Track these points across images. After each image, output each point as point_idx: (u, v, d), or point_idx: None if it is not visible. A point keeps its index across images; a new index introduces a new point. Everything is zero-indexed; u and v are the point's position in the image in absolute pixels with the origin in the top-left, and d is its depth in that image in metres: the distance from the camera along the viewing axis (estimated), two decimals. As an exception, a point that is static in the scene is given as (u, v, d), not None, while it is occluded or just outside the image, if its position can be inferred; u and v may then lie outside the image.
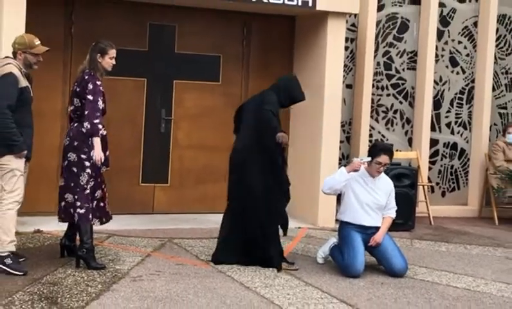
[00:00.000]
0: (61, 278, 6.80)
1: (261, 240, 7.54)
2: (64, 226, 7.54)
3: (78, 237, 7.33)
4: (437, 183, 11.59)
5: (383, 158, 7.48)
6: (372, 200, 7.58)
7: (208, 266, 7.50)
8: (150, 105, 9.97)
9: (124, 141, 9.66)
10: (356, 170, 7.46)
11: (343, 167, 7.63)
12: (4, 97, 6.67)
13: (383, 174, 7.72)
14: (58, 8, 9.38)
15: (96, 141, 7.11)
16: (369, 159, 7.47)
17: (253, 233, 7.52)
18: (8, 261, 6.81)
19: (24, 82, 6.86)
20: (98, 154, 7.10)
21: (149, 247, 8.21)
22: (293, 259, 7.98)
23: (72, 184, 7.19)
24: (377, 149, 7.63)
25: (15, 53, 6.99)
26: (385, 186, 7.70)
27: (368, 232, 7.59)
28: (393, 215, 7.80)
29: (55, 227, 8.43)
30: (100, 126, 7.14)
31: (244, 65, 10.29)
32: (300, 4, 9.44)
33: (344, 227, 7.68)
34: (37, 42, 7.02)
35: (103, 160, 7.17)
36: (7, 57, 7.09)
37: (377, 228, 7.60)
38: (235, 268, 7.46)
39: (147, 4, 9.62)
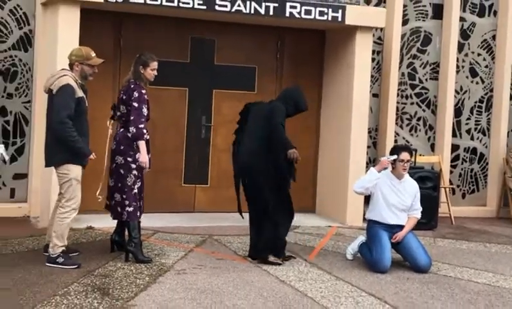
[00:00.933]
0: (112, 271, 6.87)
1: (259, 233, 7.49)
2: (114, 223, 7.57)
3: (126, 233, 7.39)
4: (458, 186, 11.48)
5: (404, 155, 7.49)
6: (399, 201, 7.55)
7: (246, 261, 7.52)
8: (191, 113, 9.98)
9: (168, 145, 9.72)
10: (384, 168, 7.49)
11: (372, 167, 7.63)
12: (63, 108, 6.70)
13: (409, 178, 7.70)
14: (108, 23, 9.41)
15: (142, 144, 7.13)
16: (395, 156, 7.47)
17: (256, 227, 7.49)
18: (60, 259, 6.88)
19: (79, 93, 6.89)
20: (143, 156, 7.13)
21: (191, 243, 8.24)
22: (324, 255, 8.00)
23: (119, 184, 7.23)
24: (397, 148, 7.71)
25: (71, 65, 7.01)
26: (411, 188, 7.67)
27: (393, 230, 7.56)
28: (418, 216, 7.78)
29: (106, 224, 8.51)
30: (145, 131, 7.16)
31: (277, 76, 10.27)
32: (330, 19, 9.40)
33: (372, 225, 7.65)
34: (93, 54, 7.06)
35: (147, 163, 7.18)
36: (63, 69, 7.11)
37: (401, 227, 7.58)
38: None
39: (189, 19, 9.64)
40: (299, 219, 9.80)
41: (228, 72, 10.07)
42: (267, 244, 7.48)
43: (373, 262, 7.48)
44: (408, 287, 6.91)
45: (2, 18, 9.23)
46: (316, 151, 10.49)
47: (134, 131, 7.09)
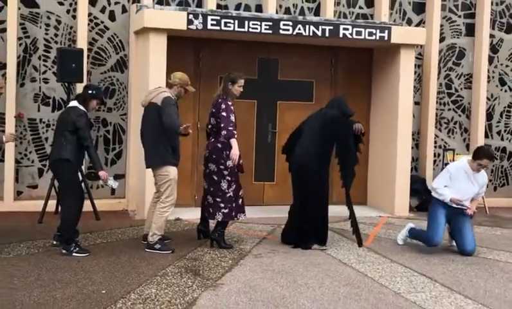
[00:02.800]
0: (200, 255, 6.96)
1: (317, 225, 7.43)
2: (198, 215, 7.60)
3: (211, 223, 7.44)
4: (490, 180, 11.27)
5: (485, 162, 7.32)
6: (468, 189, 7.41)
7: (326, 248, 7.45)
8: (259, 121, 10.02)
9: (240, 149, 9.67)
10: (457, 204, 7.35)
11: (449, 198, 7.34)
12: (173, 112, 6.80)
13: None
14: (189, 48, 9.51)
15: (233, 142, 7.03)
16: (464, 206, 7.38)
17: (312, 219, 7.38)
18: (157, 246, 6.98)
19: (176, 108, 6.97)
20: (235, 149, 7.00)
21: (264, 231, 8.27)
22: (378, 241, 7.95)
23: (212, 189, 7.17)
24: (481, 153, 7.37)
25: (171, 85, 7.09)
26: (482, 179, 7.51)
27: (452, 210, 7.42)
28: (480, 198, 7.76)
29: (191, 216, 8.67)
30: (235, 131, 7.06)
31: (332, 88, 10.23)
32: (377, 38, 9.35)
33: (434, 203, 7.51)
34: (189, 82, 7.19)
35: (237, 156, 7.04)
36: (160, 87, 7.23)
37: (459, 209, 7.41)
38: (333, 248, 7.44)
39: (256, 42, 9.68)
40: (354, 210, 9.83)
41: (290, 86, 10.07)
42: (315, 233, 7.43)
43: (427, 238, 7.40)
44: (454, 268, 6.86)
45: (102, 45, 9.45)
46: (366, 151, 10.43)
47: (225, 132, 7.02)
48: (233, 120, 7.09)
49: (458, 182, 7.37)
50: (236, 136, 7.10)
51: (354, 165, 7.44)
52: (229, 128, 7.02)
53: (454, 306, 5.59)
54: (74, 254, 6.71)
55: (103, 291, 5.60)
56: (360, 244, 7.56)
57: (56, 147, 6.82)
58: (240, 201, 7.24)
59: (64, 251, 6.76)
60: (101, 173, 6.76)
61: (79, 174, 7.19)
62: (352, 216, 7.50)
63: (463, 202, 7.35)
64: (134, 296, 5.51)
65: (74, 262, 6.46)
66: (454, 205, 7.35)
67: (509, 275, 6.67)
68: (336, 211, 8.48)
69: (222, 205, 7.12)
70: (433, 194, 7.55)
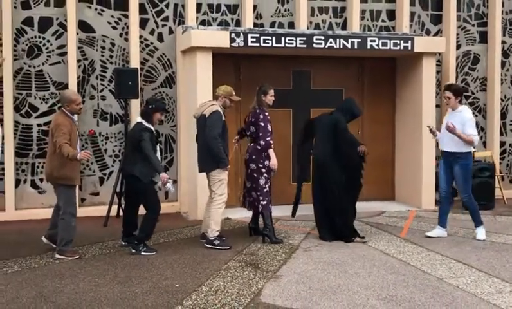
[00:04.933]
0: (255, 250, 7.05)
1: (340, 219, 7.44)
2: (245, 214, 7.73)
3: (261, 221, 7.55)
4: (507, 173, 11.31)
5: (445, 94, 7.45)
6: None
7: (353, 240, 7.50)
8: (295, 127, 10.02)
9: (279, 153, 9.74)
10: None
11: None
12: (215, 127, 6.96)
13: (463, 109, 7.51)
14: (231, 63, 9.60)
15: (271, 152, 7.30)
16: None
17: (334, 214, 7.43)
18: (216, 241, 7.08)
19: (223, 117, 7.14)
20: (273, 160, 7.29)
21: (307, 227, 8.31)
22: (412, 233, 7.95)
23: (254, 185, 7.38)
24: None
25: (217, 97, 7.25)
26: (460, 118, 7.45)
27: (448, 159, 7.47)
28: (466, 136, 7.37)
29: (239, 215, 8.76)
30: (271, 141, 7.29)
31: (359, 95, 10.23)
32: (402, 48, 9.43)
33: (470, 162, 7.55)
34: (234, 92, 7.32)
35: (276, 166, 7.31)
36: (210, 100, 7.38)
37: (452, 153, 7.43)
38: (372, 240, 7.49)
39: (291, 56, 9.78)
40: (384, 206, 9.95)
41: (322, 94, 10.09)
42: (352, 227, 7.49)
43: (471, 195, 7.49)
44: (486, 254, 6.89)
45: (152, 64, 9.59)
46: (393, 152, 10.50)
47: (263, 143, 7.28)
48: (270, 130, 7.33)
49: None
50: (273, 145, 7.33)
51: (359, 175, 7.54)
52: (267, 138, 7.26)
53: (494, 289, 5.64)
54: (142, 253, 6.84)
55: (177, 285, 5.72)
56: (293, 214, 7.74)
57: (127, 162, 6.99)
58: (270, 197, 7.44)
59: (133, 251, 6.88)
60: (163, 175, 6.82)
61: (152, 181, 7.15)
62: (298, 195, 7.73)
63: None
64: (205, 289, 5.62)
65: (144, 261, 6.59)
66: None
67: (538, 259, 6.69)
68: (367, 207, 8.50)
69: (261, 198, 7.32)
70: (475, 140, 7.40)
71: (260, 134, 7.29)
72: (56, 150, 6.49)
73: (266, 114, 7.38)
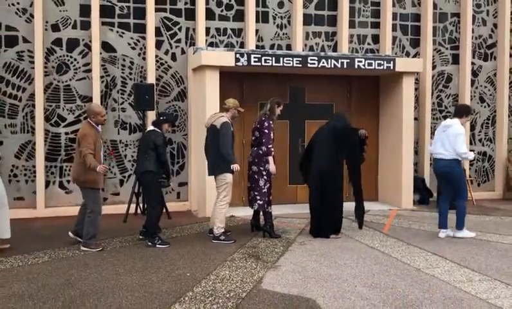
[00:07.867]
0: (256, 244, 7.03)
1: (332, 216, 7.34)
2: (248, 212, 7.72)
3: (262, 218, 7.55)
4: (475, 177, 11.37)
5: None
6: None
7: (342, 235, 7.49)
8: (292, 136, 10.11)
9: (278, 158, 9.78)
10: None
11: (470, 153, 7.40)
12: (227, 136, 6.96)
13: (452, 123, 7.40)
14: (235, 81, 9.60)
15: (270, 159, 7.28)
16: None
17: (328, 211, 7.33)
18: (222, 237, 7.09)
19: (232, 127, 7.14)
20: (272, 166, 7.26)
21: (301, 224, 8.32)
22: (393, 229, 7.93)
23: (253, 185, 7.36)
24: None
25: (227, 109, 7.21)
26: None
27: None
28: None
29: (243, 213, 8.75)
30: (272, 149, 7.30)
31: (348, 109, 10.28)
32: (385, 68, 9.46)
33: (459, 169, 7.51)
34: (239, 104, 7.32)
35: (275, 171, 7.35)
36: (219, 112, 7.36)
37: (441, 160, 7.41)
38: (358, 236, 7.49)
39: (288, 74, 9.81)
40: (368, 205, 9.84)
41: (315, 108, 10.14)
42: (337, 225, 7.38)
43: (465, 199, 7.50)
44: (458, 248, 6.91)
45: (166, 80, 9.64)
46: (377, 158, 10.53)
47: (265, 149, 7.25)
48: (272, 137, 7.30)
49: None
50: (273, 152, 7.30)
51: (360, 163, 7.46)
52: (269, 145, 7.23)
53: (465, 278, 5.65)
54: (157, 246, 6.86)
55: (188, 274, 5.73)
56: (360, 226, 7.55)
57: (141, 162, 7.00)
58: (271, 197, 7.41)
59: (149, 243, 6.91)
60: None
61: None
62: (360, 204, 7.44)
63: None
64: (213, 277, 5.63)
65: (159, 252, 6.61)
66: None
67: (502, 252, 6.72)
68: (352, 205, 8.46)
69: (258, 197, 7.30)
70: (464, 156, 7.27)
71: (264, 140, 7.25)
72: (81, 158, 6.53)
73: (271, 122, 7.33)
